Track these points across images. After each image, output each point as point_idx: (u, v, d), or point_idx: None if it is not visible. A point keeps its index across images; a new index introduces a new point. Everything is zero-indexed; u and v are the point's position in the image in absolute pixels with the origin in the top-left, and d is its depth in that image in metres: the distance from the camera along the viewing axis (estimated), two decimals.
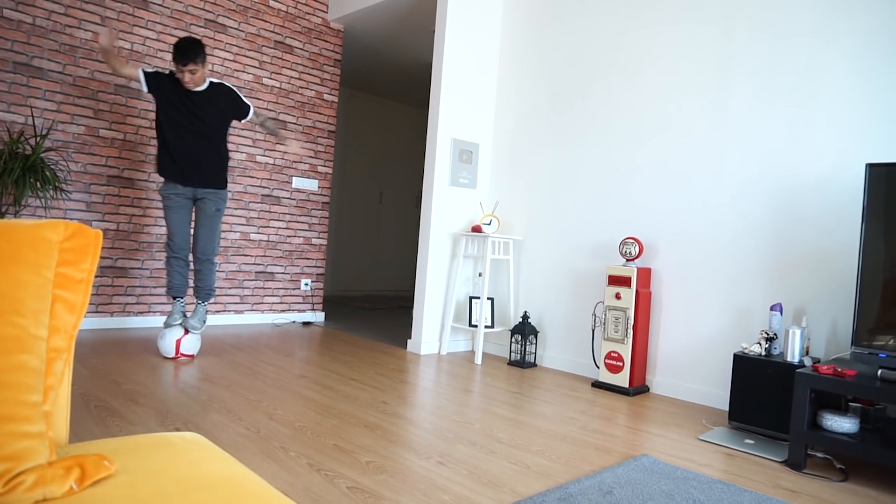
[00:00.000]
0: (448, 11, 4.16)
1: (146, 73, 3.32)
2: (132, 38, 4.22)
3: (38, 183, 3.60)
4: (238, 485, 0.90)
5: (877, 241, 2.33)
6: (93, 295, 4.14)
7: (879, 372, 2.28)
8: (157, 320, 4.42)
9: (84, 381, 2.84)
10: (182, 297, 3.52)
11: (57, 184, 3.71)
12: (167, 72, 3.40)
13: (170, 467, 0.92)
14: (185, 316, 3.49)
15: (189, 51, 3.20)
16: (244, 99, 3.57)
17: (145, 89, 3.32)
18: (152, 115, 4.32)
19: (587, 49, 3.96)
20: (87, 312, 4.13)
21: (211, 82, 3.44)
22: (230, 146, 4.74)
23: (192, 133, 3.38)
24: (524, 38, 4.36)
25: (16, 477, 0.76)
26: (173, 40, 4.40)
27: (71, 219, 3.97)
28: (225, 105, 3.48)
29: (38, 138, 3.74)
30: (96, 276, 4.16)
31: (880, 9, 2.78)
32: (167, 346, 3.39)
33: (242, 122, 3.65)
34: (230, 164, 4.76)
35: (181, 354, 3.40)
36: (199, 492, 0.85)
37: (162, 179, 3.85)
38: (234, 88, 3.58)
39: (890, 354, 2.26)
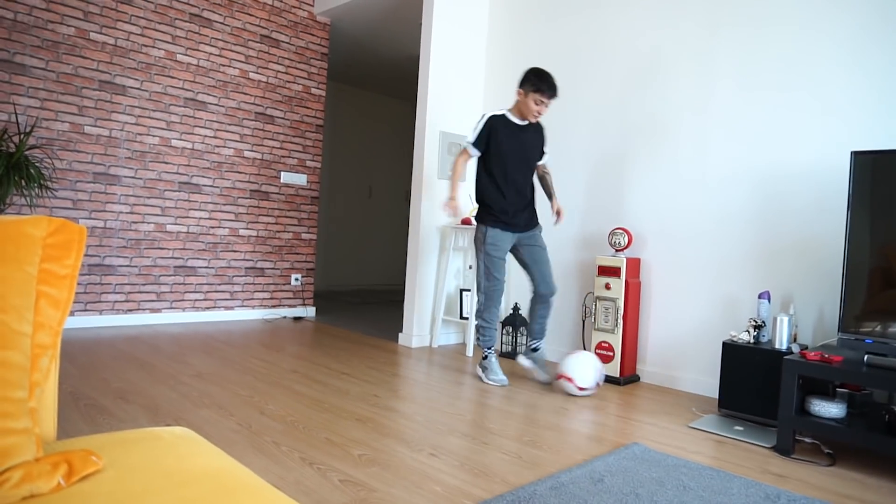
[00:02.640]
0: (435, 4, 4.15)
1: (475, 145, 3.23)
2: (116, 33, 4.18)
3: (22, 181, 3.56)
4: (227, 478, 0.90)
5: (862, 229, 2.35)
6: (81, 293, 4.11)
7: (866, 357, 2.30)
8: (146, 318, 4.39)
9: (73, 379, 2.82)
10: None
11: (42, 181, 3.67)
12: (487, 116, 3.22)
13: (158, 462, 0.92)
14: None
15: (556, 86, 3.10)
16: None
17: (477, 153, 3.25)
18: (138, 112, 4.29)
19: (574, 40, 3.95)
20: (76, 311, 4.10)
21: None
22: (231, 143, 4.71)
23: (521, 171, 3.25)
24: (511, 30, 4.35)
25: (2, 473, 0.75)
26: (158, 35, 4.36)
27: (57, 216, 3.93)
28: (540, 140, 3.35)
29: (21, 136, 3.69)
30: (84, 274, 4.12)
31: None
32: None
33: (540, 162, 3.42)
34: (219, 159, 4.73)
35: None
36: (188, 485, 0.85)
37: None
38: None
39: (876, 340, 2.28)
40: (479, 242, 3.28)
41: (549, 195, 3.46)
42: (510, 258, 3.53)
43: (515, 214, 3.24)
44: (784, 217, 3.01)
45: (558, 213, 3.35)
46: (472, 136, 3.25)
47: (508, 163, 3.20)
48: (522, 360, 3.34)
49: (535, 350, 3.34)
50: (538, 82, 3.07)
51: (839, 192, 2.83)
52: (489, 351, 3.32)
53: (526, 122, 3.24)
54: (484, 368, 3.29)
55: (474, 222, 4.09)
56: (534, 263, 3.28)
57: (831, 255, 2.84)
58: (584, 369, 2.98)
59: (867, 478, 2.13)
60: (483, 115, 3.26)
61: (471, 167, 4.28)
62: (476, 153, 3.26)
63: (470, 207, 4.38)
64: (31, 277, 0.88)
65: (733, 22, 3.22)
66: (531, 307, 3.33)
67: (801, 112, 2.97)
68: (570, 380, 2.99)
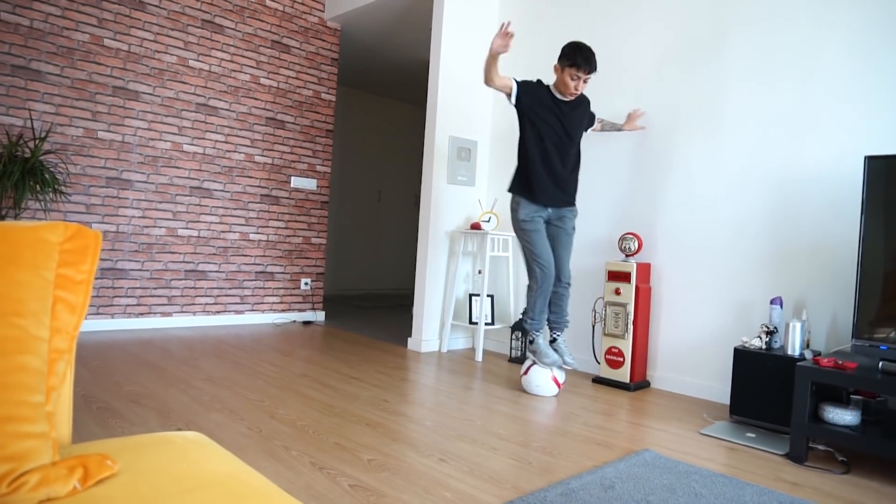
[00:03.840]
0: (444, 9, 4.16)
1: (519, 86, 3.04)
2: (129, 39, 4.22)
3: (37, 186, 3.60)
4: (240, 483, 0.91)
5: (876, 234, 2.33)
6: (93, 297, 4.15)
7: (880, 364, 2.28)
8: (158, 321, 4.42)
9: (86, 382, 2.84)
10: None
11: (56, 186, 3.71)
12: (535, 80, 3.11)
13: (172, 466, 0.93)
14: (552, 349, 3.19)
15: (593, 59, 2.93)
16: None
17: (513, 101, 3.07)
18: (150, 117, 4.33)
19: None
20: (88, 314, 4.13)
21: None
22: (244, 146, 4.75)
23: (559, 148, 3.09)
24: (520, 34, 4.35)
25: (19, 477, 0.76)
26: (170, 41, 4.40)
27: (70, 220, 3.97)
28: (584, 114, 3.22)
29: (36, 141, 3.74)
30: (97, 278, 4.16)
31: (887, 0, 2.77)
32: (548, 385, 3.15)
33: (588, 131, 3.32)
34: (230, 164, 4.76)
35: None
36: (201, 490, 0.86)
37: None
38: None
39: (891, 346, 2.26)
40: (515, 220, 3.16)
41: (618, 127, 3.49)
42: None
43: (550, 189, 3.10)
44: (796, 222, 2.99)
45: (634, 117, 3.40)
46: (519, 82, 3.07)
47: (546, 138, 3.06)
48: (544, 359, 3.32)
49: (553, 341, 3.26)
50: (573, 55, 2.91)
51: (852, 196, 2.81)
52: (537, 334, 3.17)
53: (567, 99, 3.07)
54: (534, 352, 3.17)
55: (483, 227, 4.10)
56: (560, 247, 3.18)
57: (844, 260, 2.82)
58: (541, 376, 3.11)
59: (883, 486, 2.10)
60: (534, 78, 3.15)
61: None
62: (513, 95, 3.04)
63: (480, 212, 4.39)
64: (49, 283, 0.89)
65: (745, 22, 3.21)
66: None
67: (813, 115, 2.95)
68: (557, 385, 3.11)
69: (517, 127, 4.37)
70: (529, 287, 3.19)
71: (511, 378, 3.49)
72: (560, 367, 3.16)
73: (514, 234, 4.21)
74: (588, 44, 3.04)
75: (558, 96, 3.08)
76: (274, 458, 2.04)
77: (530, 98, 3.06)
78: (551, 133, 3.07)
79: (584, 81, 2.98)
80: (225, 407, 2.60)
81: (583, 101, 3.20)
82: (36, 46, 3.85)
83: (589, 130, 3.34)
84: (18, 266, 0.85)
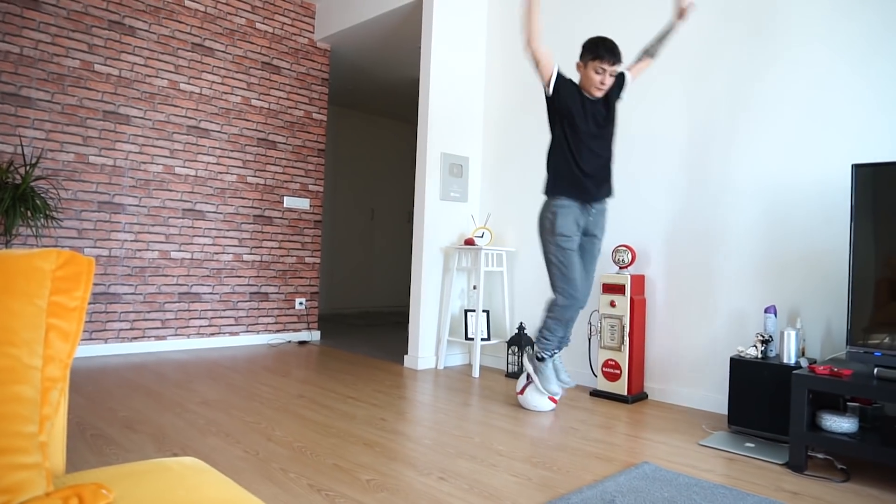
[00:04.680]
0: (433, 28, 4.20)
1: (558, 77, 2.87)
2: (120, 64, 4.24)
3: (28, 212, 3.59)
4: None
5: (867, 241, 2.35)
6: (86, 322, 4.12)
7: (875, 370, 2.29)
8: (152, 345, 4.39)
9: (79, 409, 2.81)
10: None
11: (48, 212, 3.70)
12: (567, 77, 2.93)
13: (169, 493, 0.92)
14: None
15: (617, 49, 2.78)
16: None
17: (550, 91, 2.90)
18: (142, 140, 4.33)
19: (572, 59, 3.98)
20: (81, 340, 4.10)
21: None
22: (232, 164, 4.75)
23: (595, 146, 2.93)
24: (510, 51, 4.40)
25: None
26: (161, 65, 4.42)
27: (62, 246, 3.96)
28: (613, 100, 2.98)
29: (27, 167, 3.73)
30: (89, 303, 4.13)
31: (872, 7, 2.82)
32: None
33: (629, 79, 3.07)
34: (222, 185, 4.76)
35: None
36: None
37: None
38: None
39: (885, 353, 2.27)
40: (548, 230, 2.94)
41: (665, 33, 3.06)
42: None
43: (587, 186, 2.93)
44: (789, 230, 3.01)
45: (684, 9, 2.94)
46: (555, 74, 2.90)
47: (580, 135, 2.89)
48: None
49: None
50: (595, 48, 2.80)
51: (842, 204, 2.84)
52: (547, 355, 3.01)
53: (596, 98, 2.92)
54: (535, 371, 3.03)
55: (477, 243, 4.10)
56: (585, 261, 3.04)
57: (837, 268, 2.84)
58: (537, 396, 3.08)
59: (883, 493, 2.10)
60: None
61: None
62: (553, 78, 2.89)
63: (474, 227, 4.40)
64: (41, 311, 0.89)
65: (734, 38, 3.25)
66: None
67: (804, 125, 2.99)
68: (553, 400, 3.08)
69: (509, 143, 4.41)
70: (551, 308, 2.99)
71: (508, 393, 3.48)
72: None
73: (507, 249, 4.22)
74: (573, 57, 3.00)
75: (587, 95, 2.93)
76: (271, 482, 2.02)
77: (566, 91, 2.90)
78: (586, 132, 2.90)
79: (611, 75, 2.84)
80: (221, 430, 2.58)
81: (610, 94, 2.97)
82: (26, 73, 3.86)
83: (629, 78, 3.05)
84: (11, 295, 0.85)
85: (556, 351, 3.07)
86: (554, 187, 2.97)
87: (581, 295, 2.96)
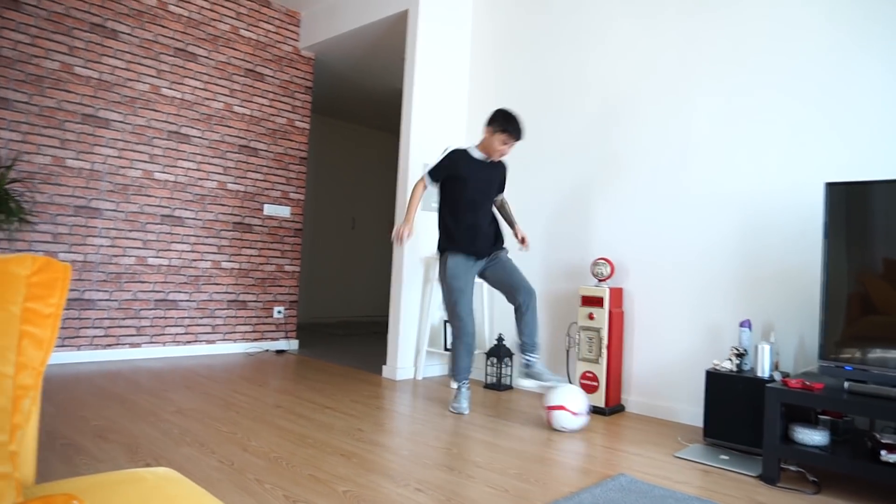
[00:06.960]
0: (417, 39, 4.23)
1: (431, 175, 3.30)
2: (101, 67, 4.19)
3: (2, 215, 3.52)
4: None
5: (839, 257, 2.41)
6: (59, 328, 4.04)
7: (846, 384, 2.33)
8: (126, 353, 4.32)
9: (50, 418, 2.75)
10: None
11: (22, 215, 3.63)
12: (450, 150, 3.30)
13: None
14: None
15: (523, 128, 3.18)
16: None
17: (431, 186, 3.34)
18: (121, 145, 4.28)
19: (552, 74, 4.04)
20: (54, 347, 4.02)
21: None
22: (217, 175, 4.71)
23: (480, 203, 3.29)
24: (492, 64, 4.44)
25: None
26: (143, 69, 4.38)
27: (37, 250, 3.89)
28: (500, 175, 3.42)
29: (2, 170, 3.67)
30: (63, 309, 4.05)
31: (843, 21, 2.90)
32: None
33: (497, 198, 3.50)
34: (202, 192, 4.72)
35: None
36: None
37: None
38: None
39: (856, 367, 2.32)
40: (442, 274, 3.30)
41: (511, 223, 3.53)
42: (489, 291, 3.52)
43: (474, 241, 3.26)
44: (763, 245, 3.07)
45: (523, 241, 3.42)
46: (430, 167, 3.31)
47: (467, 196, 3.24)
48: (523, 383, 3.33)
49: (527, 366, 3.21)
50: (505, 124, 3.14)
51: (816, 219, 2.90)
52: (462, 383, 3.31)
53: (489, 161, 3.30)
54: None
55: None
56: (505, 275, 3.27)
57: (810, 283, 2.90)
58: (573, 395, 2.95)
59: None
60: (446, 149, 3.33)
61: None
62: (431, 183, 3.32)
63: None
64: (15, 317, 0.87)
65: (709, 58, 3.32)
66: (516, 322, 3.26)
67: (779, 142, 3.05)
68: (561, 408, 2.92)
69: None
70: (453, 345, 3.31)
71: (487, 404, 3.48)
72: (544, 385, 3.17)
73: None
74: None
75: (477, 156, 3.28)
76: (247, 493, 2.00)
77: (446, 169, 3.26)
78: (473, 189, 3.25)
79: (510, 147, 3.20)
80: (196, 440, 2.54)
81: (501, 166, 3.40)
82: (4, 74, 3.80)
83: (497, 197, 3.47)
84: None
85: (528, 354, 3.22)
86: (444, 244, 3.31)
87: (470, 321, 3.26)
